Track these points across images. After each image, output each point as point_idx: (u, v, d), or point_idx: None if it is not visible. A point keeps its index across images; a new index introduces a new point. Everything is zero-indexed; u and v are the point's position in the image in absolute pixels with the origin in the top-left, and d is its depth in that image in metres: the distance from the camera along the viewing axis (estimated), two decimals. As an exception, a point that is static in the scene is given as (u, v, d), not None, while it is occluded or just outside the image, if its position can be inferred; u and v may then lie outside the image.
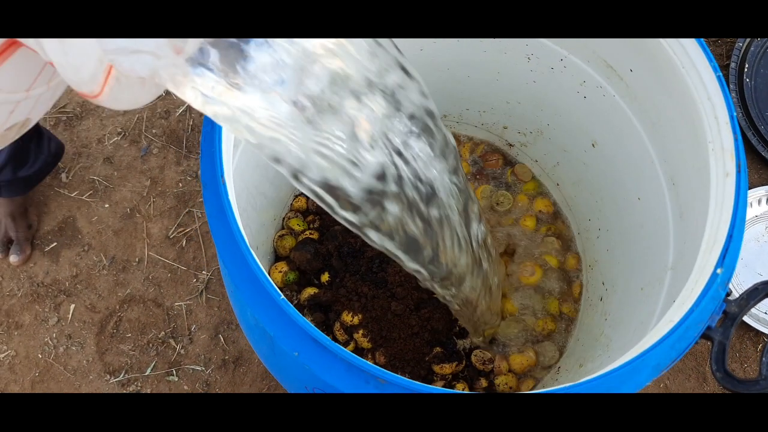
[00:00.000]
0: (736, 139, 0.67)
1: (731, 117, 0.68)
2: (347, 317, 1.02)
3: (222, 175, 0.64)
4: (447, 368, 1.02)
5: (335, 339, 1.04)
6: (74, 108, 1.38)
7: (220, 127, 0.68)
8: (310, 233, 1.12)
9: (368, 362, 0.58)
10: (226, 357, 1.20)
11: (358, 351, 1.04)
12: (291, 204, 1.16)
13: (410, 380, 0.57)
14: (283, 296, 0.61)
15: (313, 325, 0.60)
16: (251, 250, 0.63)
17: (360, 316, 1.02)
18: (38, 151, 1.18)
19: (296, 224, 1.14)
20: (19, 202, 1.24)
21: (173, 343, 1.21)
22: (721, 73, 0.71)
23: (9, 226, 1.25)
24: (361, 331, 1.02)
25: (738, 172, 0.66)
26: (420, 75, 1.05)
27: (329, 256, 1.08)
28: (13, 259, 1.25)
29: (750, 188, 1.31)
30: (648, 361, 0.60)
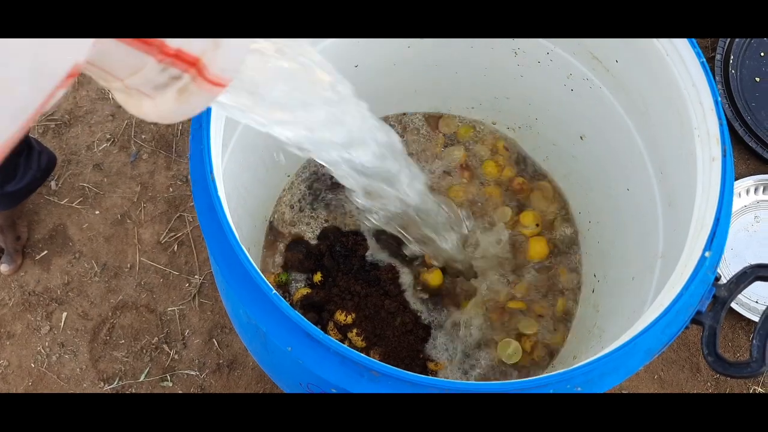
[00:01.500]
0: (721, 124, 0.68)
1: (716, 102, 0.69)
2: (341, 316, 1.02)
3: (211, 171, 0.64)
4: (441, 365, 1.02)
5: (329, 338, 1.04)
6: (62, 115, 1.37)
7: (208, 126, 0.68)
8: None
9: (361, 354, 0.58)
10: (221, 361, 1.20)
11: (353, 349, 1.03)
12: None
13: (402, 370, 0.57)
14: (274, 290, 0.61)
15: (305, 319, 0.60)
16: (242, 246, 0.63)
17: (353, 315, 1.02)
18: (27, 165, 1.15)
19: (288, 225, 1.14)
20: (7, 215, 1.22)
21: (167, 348, 1.21)
22: (704, 59, 0.71)
23: None
24: (354, 330, 1.02)
25: (724, 156, 0.66)
26: (409, 72, 1.06)
27: (321, 255, 1.08)
28: (3, 268, 1.24)
29: (738, 179, 1.32)
30: (640, 346, 0.61)
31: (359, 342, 1.02)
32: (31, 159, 1.15)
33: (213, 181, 0.64)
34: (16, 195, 1.17)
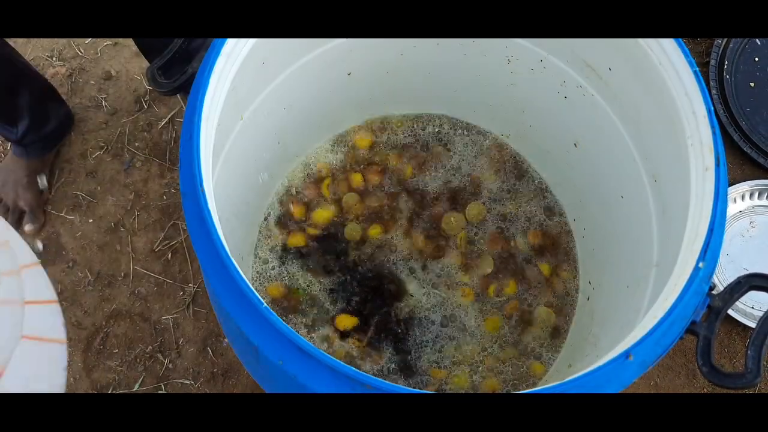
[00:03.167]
0: (714, 134, 0.68)
1: (708, 111, 0.68)
2: (341, 322, 1.02)
3: (201, 183, 0.64)
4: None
5: (323, 347, 1.03)
6: (55, 123, 1.37)
7: (198, 136, 0.67)
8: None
9: (353, 368, 0.58)
10: (215, 370, 1.19)
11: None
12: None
13: (396, 385, 0.57)
14: (265, 304, 0.60)
15: (296, 333, 0.60)
16: (232, 258, 0.62)
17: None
18: (55, 109, 1.27)
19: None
20: (32, 168, 1.26)
21: (161, 357, 1.20)
22: (697, 69, 0.71)
23: (21, 195, 1.26)
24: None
25: (717, 165, 0.66)
26: (401, 81, 1.05)
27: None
28: (27, 228, 1.26)
29: (733, 184, 1.32)
30: (633, 358, 0.60)
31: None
32: (58, 103, 1.29)
33: (203, 193, 0.63)
34: (52, 136, 1.27)
